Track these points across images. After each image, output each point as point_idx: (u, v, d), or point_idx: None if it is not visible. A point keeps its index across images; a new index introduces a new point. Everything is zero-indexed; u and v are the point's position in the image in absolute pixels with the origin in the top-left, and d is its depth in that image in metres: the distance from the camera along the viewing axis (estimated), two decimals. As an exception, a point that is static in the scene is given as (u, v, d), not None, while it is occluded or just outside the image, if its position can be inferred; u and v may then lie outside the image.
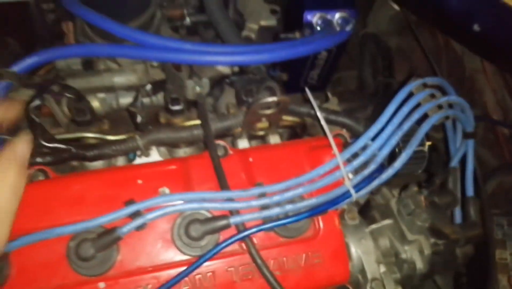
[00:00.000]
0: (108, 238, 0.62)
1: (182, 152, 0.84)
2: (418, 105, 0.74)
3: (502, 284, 0.83)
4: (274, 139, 0.84)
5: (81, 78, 0.88)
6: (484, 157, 1.12)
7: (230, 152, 0.74)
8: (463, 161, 0.86)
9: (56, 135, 0.77)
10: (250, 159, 0.74)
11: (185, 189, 0.70)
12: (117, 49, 0.83)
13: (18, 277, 0.62)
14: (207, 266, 0.66)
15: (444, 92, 0.79)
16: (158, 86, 0.84)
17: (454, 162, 0.85)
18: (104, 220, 0.63)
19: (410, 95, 0.75)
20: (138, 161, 0.79)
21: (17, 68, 0.79)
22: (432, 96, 0.76)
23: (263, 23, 1.07)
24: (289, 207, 0.67)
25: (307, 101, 0.79)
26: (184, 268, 0.64)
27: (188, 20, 1.05)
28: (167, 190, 0.69)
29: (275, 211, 0.66)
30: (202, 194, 0.67)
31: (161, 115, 0.83)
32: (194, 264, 0.63)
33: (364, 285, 0.73)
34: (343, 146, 0.78)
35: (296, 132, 0.95)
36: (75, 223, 0.63)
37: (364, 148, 0.72)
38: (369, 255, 0.73)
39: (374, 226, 0.76)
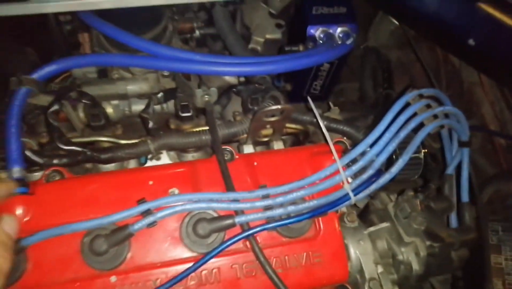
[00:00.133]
0: (120, 234, 0.66)
1: (191, 156, 0.89)
2: (414, 115, 0.78)
3: (497, 287, 0.86)
4: (277, 145, 0.88)
5: (96, 86, 0.93)
6: (482, 166, 1.16)
7: (236, 156, 0.78)
8: (459, 169, 0.90)
9: (72, 139, 0.82)
10: (255, 163, 0.78)
11: (193, 190, 0.74)
12: (132, 59, 0.88)
13: (34, 270, 0.66)
14: (213, 262, 0.70)
15: (440, 103, 0.83)
16: (169, 94, 0.89)
17: (450, 169, 0.89)
18: (117, 217, 0.67)
19: (407, 105, 0.79)
20: (149, 164, 0.84)
21: (36, 75, 0.84)
22: (428, 106, 0.80)
23: (269, 36, 1.13)
24: (291, 208, 0.70)
25: (310, 110, 0.84)
26: (191, 264, 0.68)
27: (197, 33, 1.10)
28: (176, 191, 0.73)
29: (278, 211, 0.70)
30: (209, 194, 0.71)
31: (171, 121, 0.88)
32: (200, 261, 0.67)
33: (362, 285, 0.76)
34: (343, 152, 0.82)
35: (299, 140, 1.00)
36: (89, 220, 0.67)
37: (362, 154, 0.75)
38: (367, 256, 0.76)
39: (372, 229, 0.79)
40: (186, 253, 0.70)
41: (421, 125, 0.78)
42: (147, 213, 0.67)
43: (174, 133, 0.82)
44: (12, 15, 0.68)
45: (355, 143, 0.85)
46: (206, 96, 0.94)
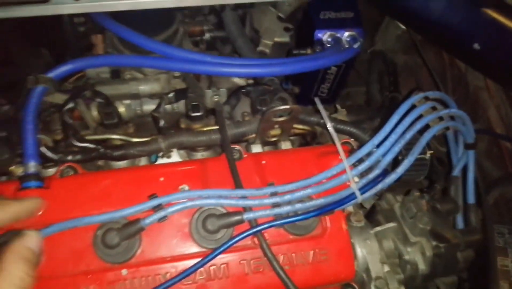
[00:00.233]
0: (132, 228, 0.68)
1: (200, 155, 0.91)
2: (420, 117, 0.79)
3: (504, 290, 0.87)
4: (285, 145, 0.90)
5: (109, 86, 0.96)
6: (488, 169, 1.16)
7: (244, 155, 0.80)
8: (465, 171, 0.91)
9: (86, 137, 0.84)
10: (263, 162, 0.79)
11: (203, 187, 0.75)
12: (145, 60, 0.90)
13: (47, 262, 0.68)
14: (221, 258, 0.71)
15: (445, 106, 0.84)
16: (180, 94, 0.91)
17: (456, 171, 0.90)
18: (130, 211, 0.69)
19: (413, 107, 0.80)
20: (160, 162, 0.86)
21: (52, 74, 0.86)
22: (434, 108, 0.82)
23: (277, 39, 1.15)
24: (298, 206, 0.72)
25: (318, 112, 0.85)
26: (200, 259, 0.69)
27: (207, 35, 1.13)
28: (186, 187, 0.75)
29: (286, 209, 0.71)
30: (218, 191, 0.72)
31: (182, 121, 0.90)
32: (209, 256, 0.68)
33: (369, 284, 0.77)
34: (350, 152, 0.83)
35: (306, 141, 1.01)
36: (102, 214, 0.69)
37: (369, 154, 0.77)
38: (373, 255, 0.77)
39: (378, 228, 0.80)
40: (195, 248, 0.72)
41: (426, 127, 0.79)
42: (158, 208, 0.69)
43: (185, 132, 0.85)
44: (32, 16, 0.70)
45: (361, 144, 0.86)
46: (215, 96, 0.96)
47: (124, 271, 0.69)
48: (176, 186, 0.75)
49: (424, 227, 0.76)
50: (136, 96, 0.98)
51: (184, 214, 0.73)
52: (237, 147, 0.80)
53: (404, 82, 1.32)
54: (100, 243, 0.68)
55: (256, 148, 0.87)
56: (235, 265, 0.72)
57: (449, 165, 0.95)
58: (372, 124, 1.03)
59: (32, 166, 0.73)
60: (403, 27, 1.25)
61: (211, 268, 0.71)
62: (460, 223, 0.89)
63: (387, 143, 0.77)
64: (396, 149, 0.76)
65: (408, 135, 0.77)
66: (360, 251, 0.78)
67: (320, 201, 0.73)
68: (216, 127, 0.86)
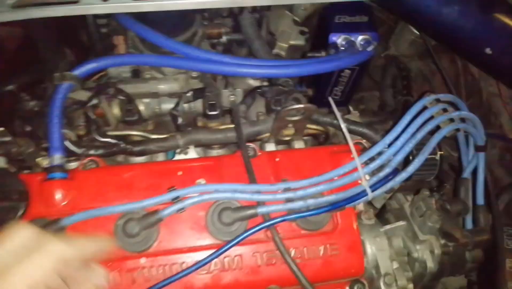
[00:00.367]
0: (151, 218, 0.71)
1: (215, 152, 0.94)
2: (431, 118, 0.81)
3: (512, 291, 0.88)
4: (299, 145, 0.92)
5: (129, 85, 1.00)
6: (499, 176, 1.17)
7: (259, 152, 0.83)
8: (475, 173, 0.92)
9: (107, 132, 0.88)
10: (277, 159, 0.82)
11: (218, 182, 0.78)
12: (166, 59, 0.94)
13: (70, 250, 0.72)
14: (235, 250, 0.74)
15: (456, 108, 0.86)
16: (198, 93, 0.94)
17: (466, 173, 0.92)
18: (150, 202, 0.72)
19: (424, 109, 0.82)
20: (177, 158, 0.89)
21: (77, 72, 0.90)
22: (445, 110, 0.83)
23: (292, 42, 1.18)
24: (310, 202, 0.74)
25: (331, 114, 0.88)
26: (215, 250, 0.72)
27: (224, 38, 1.16)
28: (203, 182, 0.78)
29: (298, 204, 0.74)
30: (234, 185, 0.75)
31: (199, 119, 0.94)
32: (224, 247, 0.71)
33: (378, 280, 0.78)
34: (361, 152, 0.86)
35: (319, 142, 1.04)
36: (124, 204, 0.72)
37: (380, 153, 0.79)
38: (383, 252, 0.79)
39: (388, 226, 0.82)
40: (210, 240, 0.75)
41: (437, 128, 0.81)
42: (176, 200, 0.72)
43: (202, 130, 0.88)
44: (63, 16, 0.74)
45: (373, 145, 0.88)
46: (232, 96, 0.99)
47: (142, 260, 0.72)
48: (193, 180, 0.78)
49: (433, 225, 0.78)
50: (155, 95, 1.02)
51: (200, 207, 0.76)
52: (251, 145, 0.83)
53: (418, 88, 1.34)
54: (120, 232, 0.72)
55: (270, 147, 0.90)
56: (249, 257, 0.74)
57: (460, 167, 0.96)
58: (384, 126, 1.05)
59: (58, 158, 0.77)
60: (417, 32, 1.27)
61: (225, 259, 0.74)
62: (469, 224, 0.90)
63: (398, 143, 0.79)
64: (407, 149, 0.78)
65: (419, 136, 0.79)
66: (370, 248, 0.80)
67: (332, 197, 0.75)
68: (232, 125, 0.89)
